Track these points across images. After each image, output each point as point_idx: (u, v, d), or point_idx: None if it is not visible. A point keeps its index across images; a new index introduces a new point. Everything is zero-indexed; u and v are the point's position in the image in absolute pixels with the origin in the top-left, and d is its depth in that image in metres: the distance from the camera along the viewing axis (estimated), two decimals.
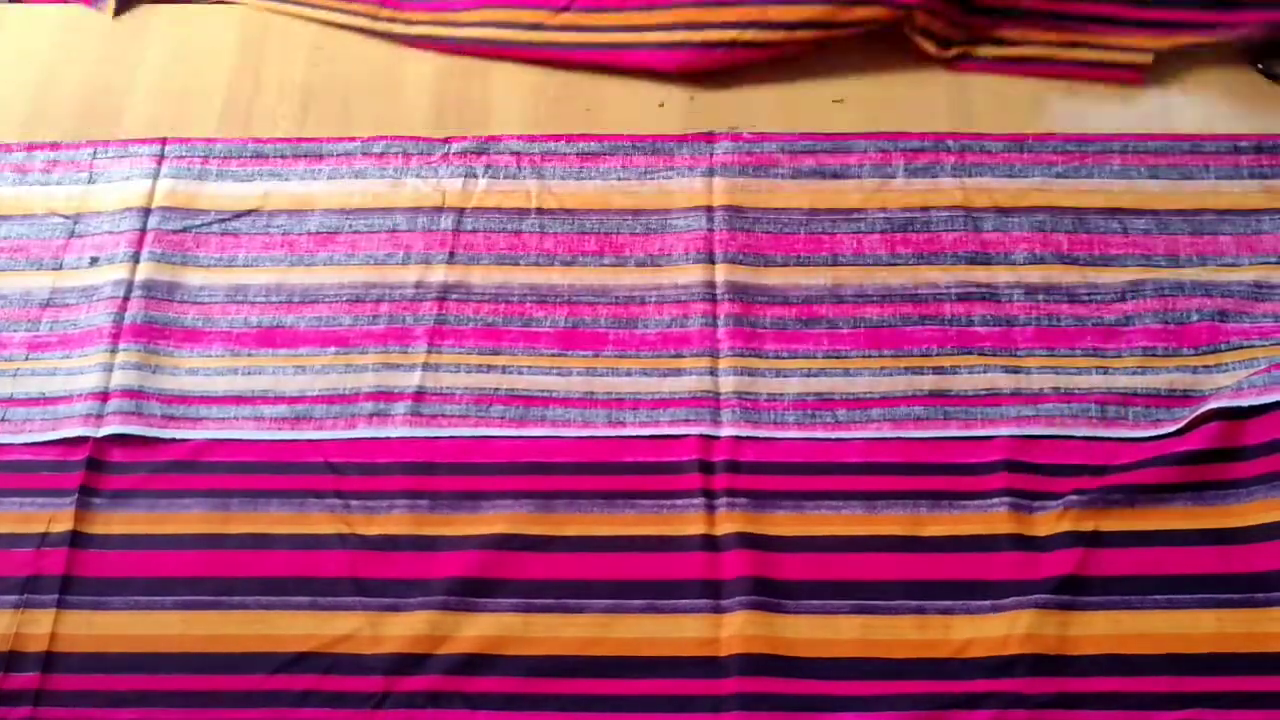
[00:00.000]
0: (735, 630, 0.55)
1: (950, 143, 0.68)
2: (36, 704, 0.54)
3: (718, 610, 0.56)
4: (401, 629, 0.55)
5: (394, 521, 0.58)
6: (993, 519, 0.57)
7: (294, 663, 0.55)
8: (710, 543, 0.57)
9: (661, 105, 0.72)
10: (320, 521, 0.58)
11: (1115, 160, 0.68)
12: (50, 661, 0.55)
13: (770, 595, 0.56)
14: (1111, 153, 0.68)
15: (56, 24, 0.76)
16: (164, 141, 0.70)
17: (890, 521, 0.58)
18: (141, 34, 0.76)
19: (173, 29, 0.76)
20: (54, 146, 0.71)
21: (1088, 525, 0.57)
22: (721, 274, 0.64)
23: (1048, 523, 0.57)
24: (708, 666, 0.54)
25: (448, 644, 0.55)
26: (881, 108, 0.71)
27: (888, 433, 0.59)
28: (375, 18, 0.73)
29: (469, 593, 0.56)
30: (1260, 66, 0.71)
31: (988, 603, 0.55)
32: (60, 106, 0.73)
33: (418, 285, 0.65)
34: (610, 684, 0.54)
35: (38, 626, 0.56)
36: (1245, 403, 0.58)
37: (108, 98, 0.73)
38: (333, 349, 0.63)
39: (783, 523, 0.58)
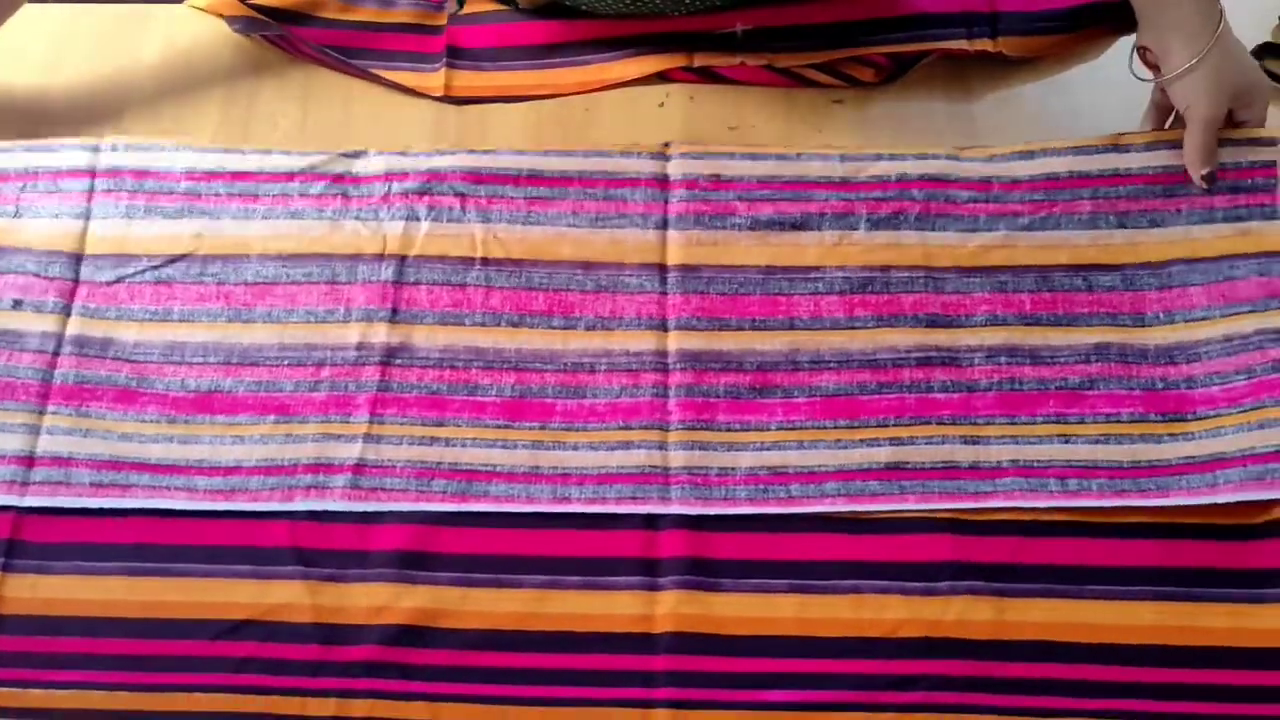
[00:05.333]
0: (669, 608, 0.55)
1: (915, 192, 0.64)
2: None
3: (653, 588, 0.56)
4: (340, 599, 0.56)
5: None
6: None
7: (234, 630, 0.55)
8: (649, 520, 0.57)
9: (661, 105, 0.70)
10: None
11: (1085, 207, 0.64)
12: None
13: (706, 574, 0.56)
14: (1081, 199, 0.64)
15: (56, 21, 0.76)
16: (93, 175, 0.66)
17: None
18: (140, 31, 0.75)
19: (171, 26, 0.75)
20: None
21: (1026, 515, 0.57)
22: (674, 342, 0.61)
23: (987, 509, 0.57)
24: (641, 642, 0.55)
25: (385, 614, 0.55)
26: (881, 109, 0.70)
27: (842, 507, 0.57)
28: None
29: (407, 565, 0.56)
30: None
31: (922, 585, 0.55)
32: (61, 101, 0.72)
33: (360, 347, 0.62)
34: (544, 658, 0.55)
35: None
36: (1221, 499, 0.56)
37: (108, 94, 0.72)
38: (273, 417, 0.60)
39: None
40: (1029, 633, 0.54)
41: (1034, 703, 0.53)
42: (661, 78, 0.71)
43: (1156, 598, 0.55)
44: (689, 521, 0.57)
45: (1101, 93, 0.70)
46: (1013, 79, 0.71)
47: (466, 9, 0.73)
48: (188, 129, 0.71)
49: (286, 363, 0.62)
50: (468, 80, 0.71)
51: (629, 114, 0.70)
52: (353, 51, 0.72)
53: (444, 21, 0.73)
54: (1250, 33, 0.71)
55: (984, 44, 0.70)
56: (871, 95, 0.71)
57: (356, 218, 0.65)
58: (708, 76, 0.71)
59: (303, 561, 0.57)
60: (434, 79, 0.71)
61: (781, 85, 0.71)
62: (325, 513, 0.58)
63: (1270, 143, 0.64)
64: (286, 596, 0.56)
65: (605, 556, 0.57)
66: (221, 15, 0.73)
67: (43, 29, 0.75)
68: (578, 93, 0.71)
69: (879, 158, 0.66)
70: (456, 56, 0.72)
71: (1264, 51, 0.71)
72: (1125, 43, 0.71)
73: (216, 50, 0.74)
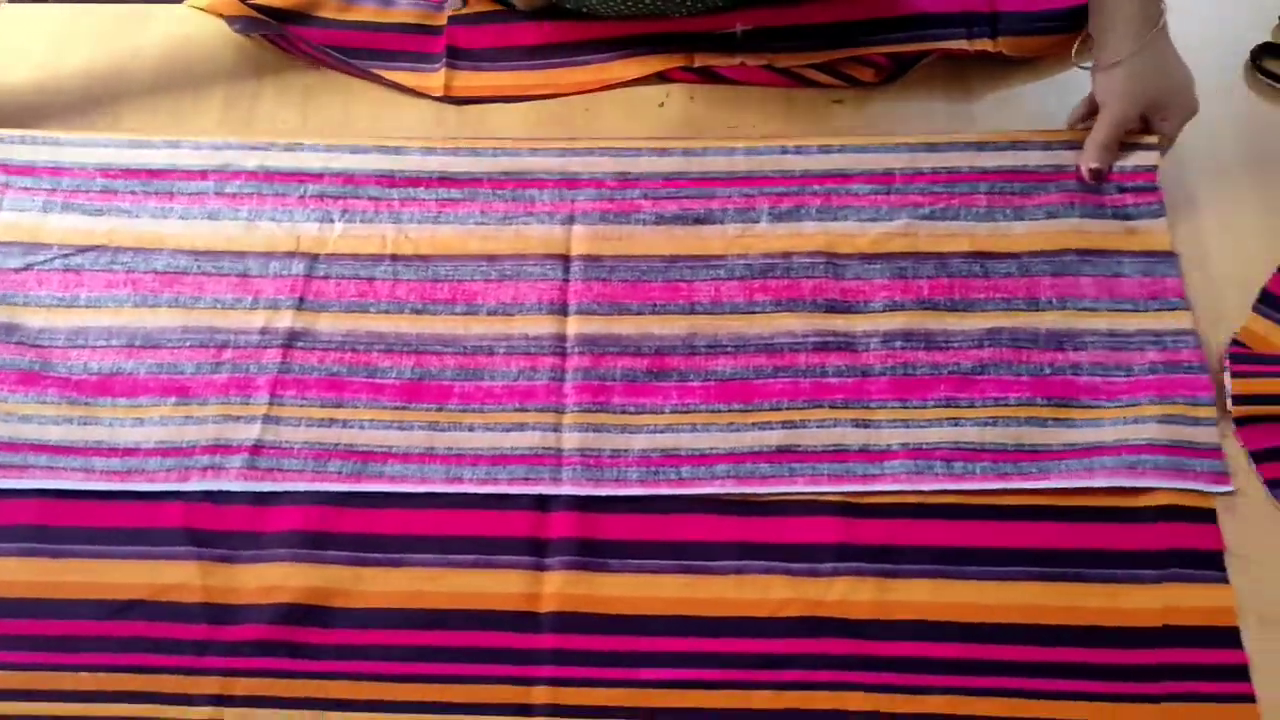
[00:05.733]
0: (555, 588, 0.56)
1: (816, 187, 0.66)
2: None
3: (540, 568, 0.56)
4: (231, 580, 0.56)
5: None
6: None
7: (124, 609, 0.56)
8: (540, 501, 0.58)
9: (661, 105, 0.71)
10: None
11: (982, 201, 0.66)
12: None
13: (594, 555, 0.57)
14: (979, 193, 0.66)
15: (56, 21, 0.76)
16: (7, 170, 0.67)
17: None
18: (140, 31, 0.75)
19: (171, 26, 0.76)
20: None
21: (912, 498, 0.58)
22: (574, 327, 0.63)
23: (874, 491, 0.58)
24: (526, 621, 0.55)
25: (276, 594, 0.56)
26: (881, 109, 0.71)
27: (731, 489, 0.58)
28: None
29: (301, 545, 0.57)
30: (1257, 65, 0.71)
31: (807, 565, 0.56)
32: (61, 101, 0.72)
33: (263, 331, 0.63)
34: (432, 635, 0.55)
35: None
36: (1095, 484, 0.57)
37: (108, 93, 0.73)
38: (173, 399, 0.61)
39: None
40: (910, 612, 0.55)
41: (910, 680, 0.54)
42: (661, 78, 0.72)
43: (1035, 578, 0.56)
44: (580, 503, 0.58)
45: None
46: (1013, 79, 0.72)
47: (467, 9, 0.74)
48: (188, 129, 0.71)
49: (189, 344, 0.63)
50: (467, 81, 0.72)
51: (629, 114, 0.71)
52: (352, 51, 0.73)
53: (444, 22, 0.74)
54: (1250, 33, 0.72)
55: (984, 44, 0.71)
56: (871, 95, 0.72)
57: (272, 219, 0.66)
58: (708, 76, 0.72)
59: (196, 543, 0.57)
60: (434, 79, 0.72)
61: (781, 85, 0.72)
62: (221, 494, 0.59)
63: (1151, 148, 0.66)
64: (178, 577, 0.57)
65: (496, 536, 0.57)
66: (221, 15, 0.74)
67: (43, 29, 0.76)
68: (578, 93, 0.72)
69: (784, 150, 0.68)
70: (456, 57, 0.72)
71: (1263, 51, 0.71)
72: None
73: (217, 50, 0.74)
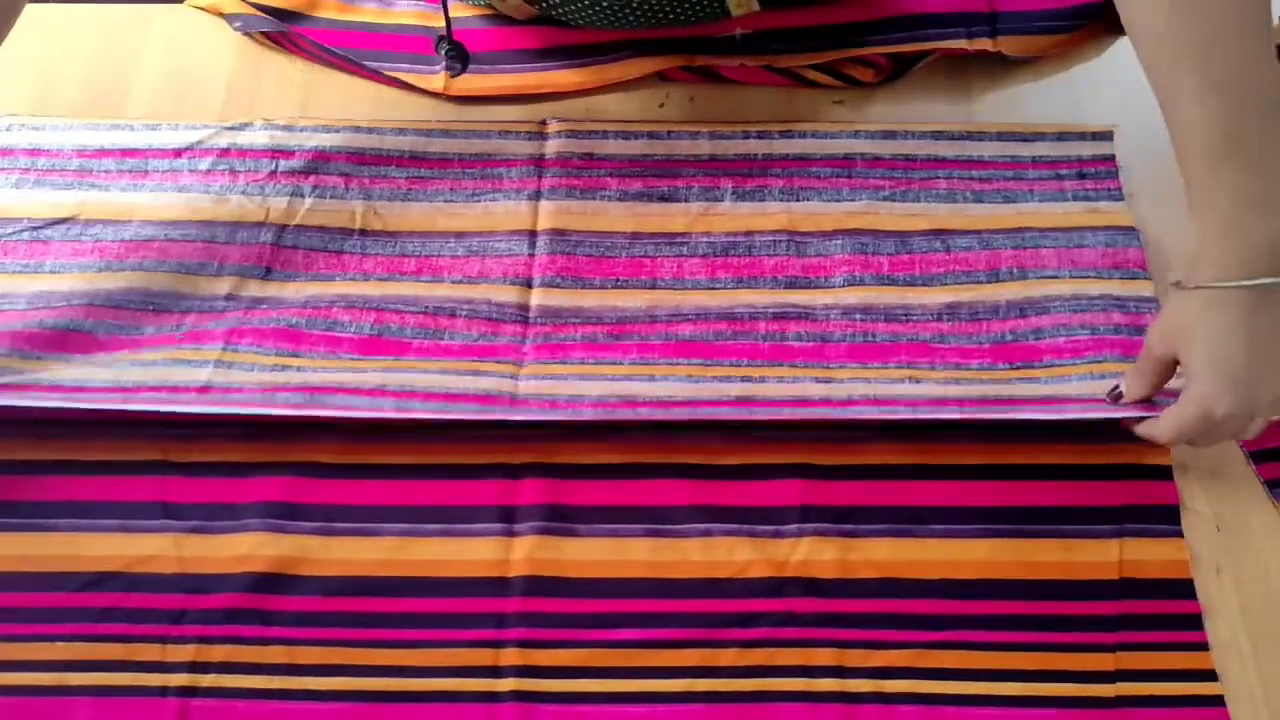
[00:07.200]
0: (524, 553, 0.57)
1: (779, 169, 0.68)
2: None
3: (510, 534, 0.57)
4: (204, 550, 0.57)
5: (208, 449, 0.60)
6: (784, 449, 0.59)
7: (97, 581, 0.57)
8: (508, 470, 0.59)
9: (661, 105, 0.72)
10: (137, 449, 0.60)
11: (941, 185, 0.67)
12: None
13: (562, 520, 0.58)
14: (938, 178, 0.67)
15: (56, 21, 0.77)
16: None
17: (685, 450, 0.59)
18: (140, 31, 0.76)
19: (171, 26, 0.76)
20: None
21: (874, 458, 0.59)
22: (537, 298, 0.63)
23: (837, 454, 0.59)
24: (496, 586, 0.56)
25: (247, 563, 0.57)
26: (881, 109, 0.71)
27: (685, 415, 0.58)
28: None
29: (273, 516, 0.58)
30: None
31: (771, 528, 0.57)
32: (61, 102, 0.73)
33: (228, 298, 0.63)
34: (401, 602, 0.56)
35: None
36: (1069, 414, 0.58)
37: (108, 94, 0.73)
38: (126, 352, 0.61)
39: (580, 451, 0.59)
40: (872, 571, 0.56)
41: (873, 635, 0.55)
42: (661, 78, 0.72)
43: (991, 535, 0.57)
44: (548, 470, 0.59)
45: (1102, 93, 0.71)
46: (1013, 79, 0.72)
47: (468, 13, 0.74)
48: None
49: (151, 309, 0.63)
50: (467, 83, 0.72)
51: (629, 114, 0.71)
52: (353, 51, 0.73)
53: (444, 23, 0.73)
54: None
55: (984, 44, 0.71)
56: (871, 95, 0.72)
57: (243, 193, 0.67)
58: (708, 76, 0.72)
59: (170, 515, 0.58)
60: (434, 80, 0.72)
61: (781, 85, 0.72)
62: (195, 467, 0.59)
63: (1108, 136, 0.67)
64: (152, 549, 0.57)
65: (465, 505, 0.58)
66: (222, 14, 0.74)
67: (43, 29, 0.76)
68: (578, 92, 0.72)
69: (746, 135, 0.69)
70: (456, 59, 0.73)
71: None
72: (1125, 42, 0.68)
73: (217, 49, 0.75)
